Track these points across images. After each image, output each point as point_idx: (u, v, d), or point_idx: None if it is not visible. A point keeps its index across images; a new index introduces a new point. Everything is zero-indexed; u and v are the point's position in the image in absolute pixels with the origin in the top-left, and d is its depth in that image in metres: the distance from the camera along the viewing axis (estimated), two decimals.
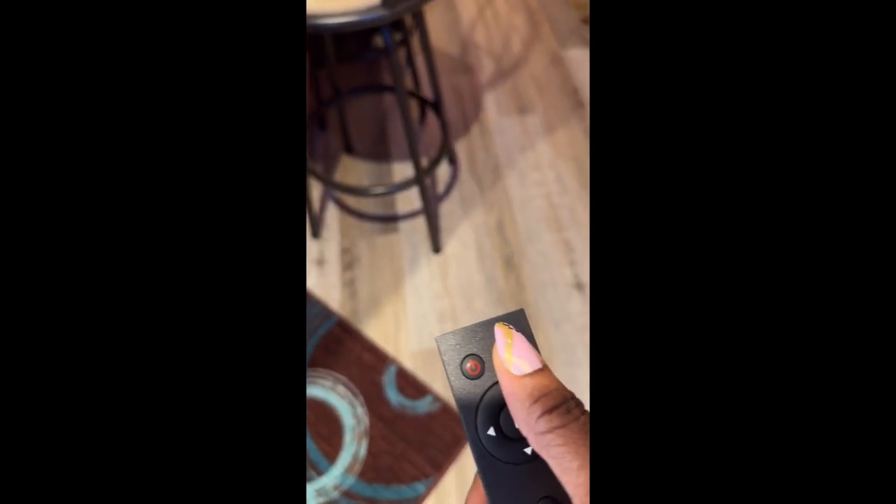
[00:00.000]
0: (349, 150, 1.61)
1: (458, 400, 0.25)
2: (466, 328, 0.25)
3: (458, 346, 0.26)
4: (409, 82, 1.71)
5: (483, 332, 0.25)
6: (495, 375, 0.25)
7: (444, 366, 0.25)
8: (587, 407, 0.24)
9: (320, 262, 1.39)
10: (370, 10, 0.93)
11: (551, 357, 1.23)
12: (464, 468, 1.11)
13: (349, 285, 1.35)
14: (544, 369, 0.24)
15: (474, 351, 0.25)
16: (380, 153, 1.61)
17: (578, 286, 1.34)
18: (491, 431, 0.24)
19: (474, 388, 0.25)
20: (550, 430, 0.22)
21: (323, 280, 1.36)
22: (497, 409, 0.25)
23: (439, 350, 0.26)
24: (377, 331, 1.28)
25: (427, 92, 1.70)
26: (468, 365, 0.25)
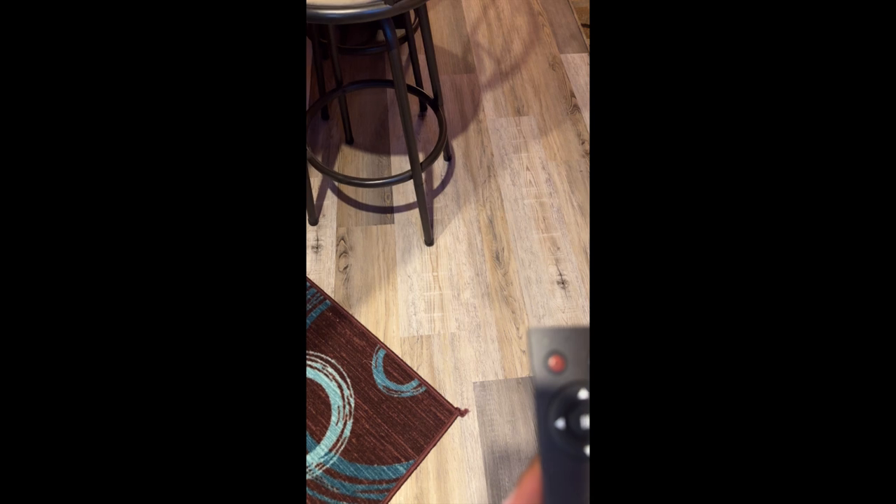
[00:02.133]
0: (350, 141, 1.64)
1: (536, 387, 0.27)
2: (557, 328, 0.28)
3: (546, 341, 0.27)
4: (410, 78, 1.74)
5: (570, 335, 0.27)
6: (574, 374, 0.27)
7: (530, 355, 0.28)
8: None
9: (317, 248, 1.43)
10: (373, 3, 0.95)
11: None
12: (443, 451, 1.15)
13: (343, 271, 1.39)
14: None
15: (560, 349, 0.27)
16: (379, 145, 1.64)
17: (562, 283, 1.38)
18: (560, 423, 0.26)
19: (553, 381, 0.27)
20: None
21: (318, 265, 1.40)
22: (570, 406, 0.27)
23: (529, 340, 0.28)
24: (368, 316, 1.31)
25: (428, 88, 1.74)
26: (552, 360, 0.27)
